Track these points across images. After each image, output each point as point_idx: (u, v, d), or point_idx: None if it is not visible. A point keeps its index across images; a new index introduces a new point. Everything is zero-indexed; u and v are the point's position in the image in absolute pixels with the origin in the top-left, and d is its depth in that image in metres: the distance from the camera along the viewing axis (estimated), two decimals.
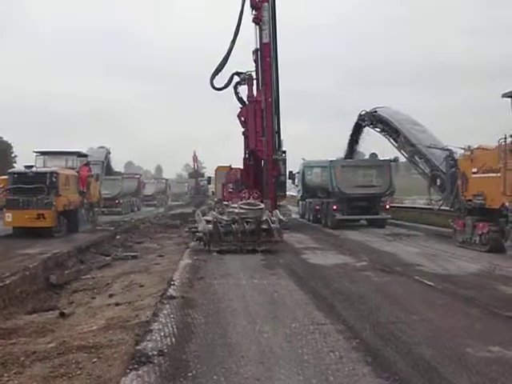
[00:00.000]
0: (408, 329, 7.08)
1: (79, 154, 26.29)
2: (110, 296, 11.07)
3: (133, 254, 17.37)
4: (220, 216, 15.66)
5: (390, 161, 24.17)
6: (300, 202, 33.16)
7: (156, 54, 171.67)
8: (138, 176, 51.89)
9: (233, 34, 23.33)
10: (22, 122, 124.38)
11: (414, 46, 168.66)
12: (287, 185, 39.63)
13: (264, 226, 15.53)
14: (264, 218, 15.63)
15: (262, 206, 16.30)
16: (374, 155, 25.95)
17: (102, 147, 37.44)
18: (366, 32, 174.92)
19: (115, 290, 11.81)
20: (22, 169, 22.55)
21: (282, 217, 16.33)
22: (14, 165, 43.56)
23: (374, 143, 25.78)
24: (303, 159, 32.18)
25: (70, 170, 24.27)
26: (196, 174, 63.24)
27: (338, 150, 28.91)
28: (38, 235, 20.06)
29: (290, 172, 25.72)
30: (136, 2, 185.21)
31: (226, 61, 23.51)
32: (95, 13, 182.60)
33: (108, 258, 17.13)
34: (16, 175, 21.70)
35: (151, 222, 31.18)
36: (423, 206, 20.58)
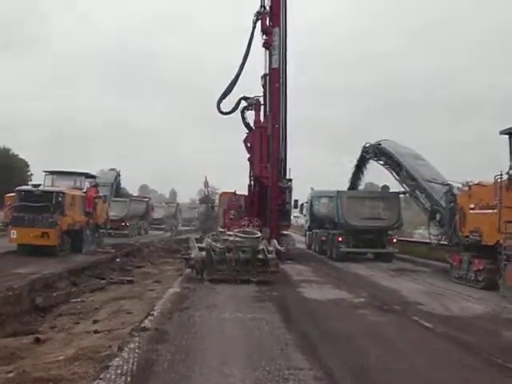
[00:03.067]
0: (394, 379, 6.31)
1: (87, 175, 26.18)
2: (94, 322, 10.54)
3: (128, 278, 16.81)
4: (214, 243, 14.98)
5: (399, 193, 23.44)
6: (307, 233, 32.38)
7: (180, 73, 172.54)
8: (146, 199, 51.39)
9: (242, 57, 22.99)
10: (40, 140, 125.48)
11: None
12: (297, 214, 39.49)
13: (260, 256, 14.82)
14: (260, 248, 14.93)
15: (259, 234, 15.62)
16: (385, 187, 25.28)
17: (113, 169, 37.63)
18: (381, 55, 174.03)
19: (101, 315, 11.27)
20: (30, 187, 22.71)
21: (279, 247, 15.60)
22: (29, 183, 43.65)
23: (387, 176, 25.12)
24: (312, 189, 31.52)
25: (77, 190, 24.24)
26: (207, 199, 62.63)
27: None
28: (42, 253, 20.00)
29: (296, 201, 25.04)
30: (153, 20, 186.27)
31: (234, 85, 23.11)
32: (111, 31, 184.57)
33: (103, 281, 16.63)
34: (23, 193, 21.78)
35: (156, 246, 30.72)
36: (442, 242, 19.84)
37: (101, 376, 6.08)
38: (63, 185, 23.81)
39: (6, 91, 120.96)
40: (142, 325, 8.84)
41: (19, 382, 6.58)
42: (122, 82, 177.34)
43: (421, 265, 22.31)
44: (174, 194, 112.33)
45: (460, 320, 10.53)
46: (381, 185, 26.65)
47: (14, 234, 20.83)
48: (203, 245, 15.14)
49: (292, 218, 54.32)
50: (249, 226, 18.38)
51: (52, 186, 23.76)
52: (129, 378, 6.02)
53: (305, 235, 33.67)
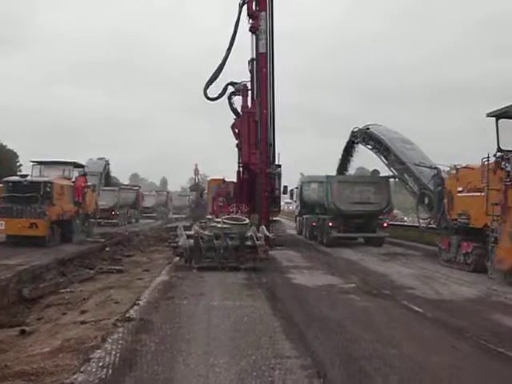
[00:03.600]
0: (383, 366, 6.14)
1: (76, 165, 25.85)
2: (82, 313, 10.35)
3: (118, 267, 16.61)
4: (202, 231, 14.76)
5: (389, 177, 23.31)
6: (297, 218, 32.32)
7: (171, 61, 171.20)
8: (136, 188, 51.16)
9: (228, 42, 22.63)
10: (29, 131, 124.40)
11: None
12: (289, 200, 39.33)
13: (248, 243, 14.62)
14: (249, 234, 14.74)
15: (247, 221, 15.42)
16: (376, 172, 25.18)
17: (101, 158, 37.19)
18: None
19: (89, 306, 11.06)
20: (17, 177, 22.59)
21: (268, 233, 15.41)
22: (18, 174, 43.21)
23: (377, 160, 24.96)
24: (301, 174, 31.44)
25: (65, 180, 23.97)
26: (197, 187, 62.36)
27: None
28: (31, 244, 19.82)
29: (285, 187, 24.83)
30: (149, 11, 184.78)
31: (221, 70, 22.76)
32: (109, 20, 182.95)
33: (92, 271, 16.44)
34: (11, 184, 21.58)
35: (146, 235, 30.49)
36: (430, 226, 19.81)
37: (81, 369, 5.89)
38: (51, 175, 23.52)
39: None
40: (127, 315, 8.65)
41: (1, 376, 6.39)
42: (110, 73, 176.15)
43: (412, 249, 22.27)
44: (164, 182, 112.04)
45: (451, 304, 10.41)
46: (371, 169, 26.53)
47: (1, 225, 20.59)
48: (191, 232, 14.91)
49: (283, 203, 54.52)
50: (237, 212, 18.18)
51: (40, 176, 23.51)
52: (110, 371, 5.83)
53: (295, 221, 33.59)
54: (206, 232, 14.74)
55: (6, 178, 22.34)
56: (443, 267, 16.20)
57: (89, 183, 27.15)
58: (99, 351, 6.59)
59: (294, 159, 75.35)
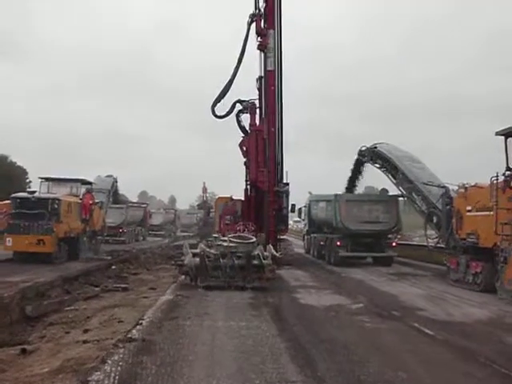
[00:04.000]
0: None
1: (83, 182, 25.91)
2: (85, 331, 10.18)
3: (123, 285, 16.45)
4: (208, 249, 14.56)
5: (398, 196, 23.05)
6: (305, 237, 32.01)
7: (180, 77, 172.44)
8: (144, 205, 51.03)
9: (236, 60, 22.61)
10: (39, 148, 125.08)
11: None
12: (297, 219, 38.99)
13: (255, 262, 14.40)
14: (255, 253, 14.52)
15: (254, 239, 15.20)
16: (384, 190, 24.93)
17: (110, 176, 37.21)
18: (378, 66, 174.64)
19: (92, 324, 10.90)
20: (25, 194, 22.55)
21: (275, 252, 15.19)
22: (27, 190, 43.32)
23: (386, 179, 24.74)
24: (310, 193, 31.15)
25: (73, 197, 24.02)
26: (205, 205, 62.31)
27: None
28: (38, 261, 19.80)
29: (293, 205, 24.59)
30: (158, 28, 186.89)
31: (229, 88, 22.67)
32: (118, 36, 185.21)
33: (97, 288, 16.26)
34: (18, 200, 21.65)
35: (153, 253, 30.32)
36: (439, 245, 19.59)
37: None
38: (59, 191, 23.66)
39: (4, 99, 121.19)
40: (129, 335, 8.46)
41: None
42: (120, 91, 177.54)
43: (421, 268, 21.91)
44: (173, 200, 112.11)
45: (462, 326, 10.12)
46: (380, 188, 26.28)
47: (9, 241, 20.73)
48: (197, 251, 14.71)
49: (292, 222, 54.17)
50: (244, 231, 17.98)
51: (48, 192, 23.54)
52: None
53: (303, 240, 33.30)
54: (212, 250, 14.54)
55: (13, 195, 22.37)
56: (453, 287, 15.88)
57: (96, 200, 27.16)
58: (98, 373, 6.40)
59: (304, 178, 74.95)
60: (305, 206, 31.47)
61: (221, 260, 14.28)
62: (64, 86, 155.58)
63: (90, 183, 27.02)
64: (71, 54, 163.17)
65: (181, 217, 68.77)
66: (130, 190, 62.78)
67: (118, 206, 38.56)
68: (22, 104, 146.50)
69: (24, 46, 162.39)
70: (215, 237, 16.05)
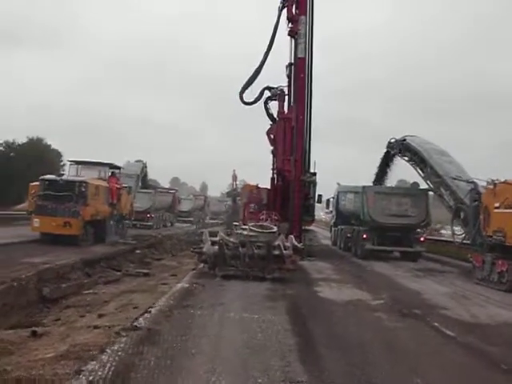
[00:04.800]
0: None
1: (111, 166, 25.87)
2: (99, 316, 10.04)
3: (144, 271, 16.36)
4: (227, 238, 14.23)
5: (428, 190, 22.32)
6: (332, 229, 31.50)
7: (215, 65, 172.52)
8: (173, 191, 51.00)
9: (266, 46, 22.15)
10: (75, 132, 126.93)
11: (465, 72, 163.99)
12: (327, 210, 38.41)
13: (275, 252, 14.01)
14: (276, 243, 14.12)
15: (275, 229, 14.80)
16: (415, 184, 24.22)
17: (139, 161, 37.34)
18: (415, 59, 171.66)
19: (108, 309, 10.77)
20: (53, 176, 22.71)
21: (296, 243, 14.76)
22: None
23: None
24: (338, 184, 30.52)
25: (101, 180, 23.99)
26: (234, 193, 62.12)
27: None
28: (64, 243, 19.83)
29: (319, 195, 23.99)
30: (190, 16, 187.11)
31: (258, 74, 22.28)
32: (149, 27, 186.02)
33: (118, 273, 16.22)
34: (47, 182, 21.67)
35: (179, 239, 30.24)
36: (465, 241, 18.96)
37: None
38: (88, 175, 23.60)
39: (44, 86, 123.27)
40: (135, 323, 8.20)
41: None
42: (154, 80, 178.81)
43: (449, 265, 21.25)
44: (205, 187, 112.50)
45: (486, 328, 9.58)
46: (412, 182, 25.57)
47: (36, 222, 20.81)
48: (216, 239, 14.40)
49: (322, 213, 53.40)
50: (267, 220, 17.60)
51: (76, 175, 23.63)
52: None
53: (330, 231, 32.81)
54: (232, 239, 14.20)
55: (42, 177, 22.45)
56: (479, 286, 15.28)
57: (124, 185, 27.21)
58: (94, 363, 6.14)
59: (334, 169, 74.35)
60: (333, 197, 30.92)
61: (240, 249, 13.93)
62: (99, 75, 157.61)
63: (118, 167, 26.99)
64: (107, 43, 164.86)
65: (210, 204, 68.77)
66: (162, 176, 63.21)
67: (146, 190, 38.54)
68: (60, 90, 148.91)
69: (63, 34, 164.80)
70: (235, 225, 15.70)
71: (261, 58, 22.22)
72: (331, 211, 32.38)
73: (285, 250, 14.06)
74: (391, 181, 27.28)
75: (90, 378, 5.63)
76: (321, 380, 5.93)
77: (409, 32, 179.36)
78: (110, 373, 5.80)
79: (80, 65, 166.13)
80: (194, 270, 15.61)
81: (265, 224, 15.68)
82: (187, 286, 12.54)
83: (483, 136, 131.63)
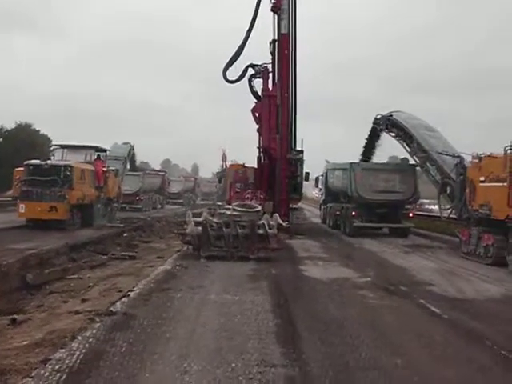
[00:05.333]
0: (383, 381, 5.26)
1: (97, 149, 25.59)
2: (83, 301, 9.75)
3: (131, 254, 16.05)
4: (211, 218, 13.96)
5: (416, 165, 22.11)
6: (322, 207, 31.33)
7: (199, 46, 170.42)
8: (162, 173, 50.63)
9: (249, 23, 21.67)
10: (63, 115, 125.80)
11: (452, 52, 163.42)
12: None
13: (260, 231, 13.77)
14: (260, 222, 13.88)
15: (259, 208, 14.56)
16: (405, 160, 24.00)
17: (126, 143, 37.10)
18: (400, 37, 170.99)
19: (91, 294, 10.50)
20: (38, 161, 22.31)
21: (281, 221, 14.52)
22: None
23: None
24: (327, 161, 30.25)
25: (86, 164, 23.75)
26: (224, 173, 61.79)
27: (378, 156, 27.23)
28: (51, 228, 19.72)
29: (307, 173, 23.71)
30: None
31: (241, 51, 21.82)
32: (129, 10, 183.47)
33: (104, 257, 15.91)
34: (31, 167, 21.58)
35: (168, 221, 29.94)
36: (452, 216, 18.88)
37: (32, 373, 5.18)
38: (74, 159, 23.47)
39: (35, 71, 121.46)
40: (111, 308, 7.95)
41: None
42: (143, 61, 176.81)
43: (438, 240, 21.10)
44: (196, 168, 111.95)
45: (472, 304, 9.40)
46: (401, 158, 25.38)
47: (22, 208, 20.68)
48: (199, 219, 14.13)
49: (315, 192, 53.16)
50: (252, 199, 17.33)
51: (62, 160, 23.42)
52: (64, 376, 5.11)
53: (320, 209, 32.65)
54: (215, 219, 13.93)
55: (26, 162, 22.16)
56: (468, 261, 15.16)
57: (112, 168, 26.91)
58: (63, 350, 5.90)
59: (324, 147, 74.04)
60: (322, 175, 30.69)
61: (224, 229, 13.67)
62: (89, 55, 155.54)
63: (104, 150, 26.69)
64: (94, 23, 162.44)
65: (201, 185, 68.51)
66: (153, 159, 62.59)
67: (134, 173, 38.29)
68: (49, 74, 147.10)
69: (50, 16, 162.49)
70: (219, 205, 15.42)
71: (244, 35, 21.78)
72: (320, 189, 32.19)
73: (269, 229, 13.82)
74: (383, 157, 27.16)
75: (57, 366, 5.38)
76: (296, 363, 5.70)
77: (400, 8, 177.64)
78: (78, 361, 5.56)
79: (64, 48, 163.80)
80: (178, 251, 15.36)
81: (248, 203, 15.42)
82: (169, 268, 12.32)
83: (472, 113, 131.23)
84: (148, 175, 43.97)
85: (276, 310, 8.31)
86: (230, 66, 21.90)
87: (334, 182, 26.89)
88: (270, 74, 21.93)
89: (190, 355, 5.83)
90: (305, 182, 24.51)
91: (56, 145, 25.66)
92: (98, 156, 25.05)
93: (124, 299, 8.69)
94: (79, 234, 19.52)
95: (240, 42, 21.76)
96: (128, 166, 36.26)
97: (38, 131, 49.23)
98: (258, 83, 22.28)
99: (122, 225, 24.60)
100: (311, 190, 55.53)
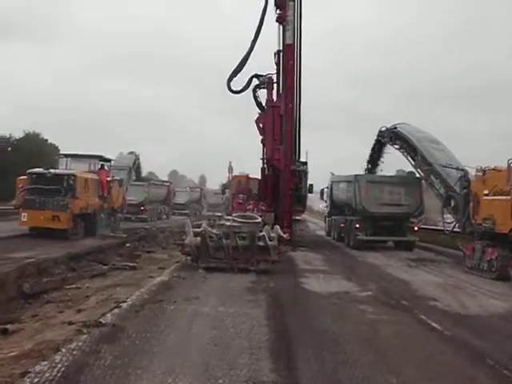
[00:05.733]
0: None
1: (102, 158, 25.41)
2: (78, 311, 9.63)
3: (131, 264, 15.85)
4: (210, 229, 13.73)
5: (421, 178, 21.85)
6: (327, 219, 31.03)
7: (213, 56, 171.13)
8: (167, 184, 50.53)
9: (254, 33, 21.60)
10: (70, 125, 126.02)
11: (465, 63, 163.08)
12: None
13: (260, 243, 13.52)
14: (261, 234, 13.64)
15: (259, 219, 14.31)
16: (411, 173, 23.76)
17: (132, 153, 36.76)
18: (413, 49, 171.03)
19: (88, 304, 10.37)
20: (41, 170, 22.13)
21: (282, 233, 14.27)
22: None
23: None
24: (332, 173, 30.00)
25: (90, 173, 23.58)
26: (228, 184, 61.52)
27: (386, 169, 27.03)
28: (54, 237, 19.48)
29: (311, 185, 23.53)
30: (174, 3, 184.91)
31: (246, 62, 21.78)
32: (134, 16, 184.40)
33: (105, 267, 15.73)
34: (34, 175, 21.33)
35: (172, 231, 29.75)
36: (456, 230, 18.67)
37: None
38: (78, 168, 23.21)
39: (34, 79, 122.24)
40: (101, 319, 7.72)
41: None
42: (147, 69, 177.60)
43: (443, 254, 20.75)
44: (203, 179, 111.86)
45: (475, 320, 9.11)
46: (408, 171, 25.10)
47: (24, 216, 20.42)
48: (199, 230, 13.91)
49: (321, 205, 52.86)
50: (253, 210, 17.10)
51: (66, 168, 23.20)
52: None
53: (325, 222, 32.38)
54: (214, 230, 13.69)
55: (29, 170, 22.03)
56: (472, 276, 14.85)
57: (116, 177, 26.81)
58: (44, 363, 5.68)
59: (330, 159, 73.82)
60: (327, 188, 30.46)
61: (223, 240, 13.43)
62: (93, 66, 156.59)
63: (108, 160, 26.51)
64: (97, 34, 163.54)
65: (207, 196, 68.21)
66: (160, 170, 62.47)
67: (139, 183, 38.01)
68: (52, 84, 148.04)
69: (53, 26, 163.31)
70: (219, 216, 15.20)
71: (248, 45, 21.71)
72: (325, 201, 31.96)
73: (270, 240, 13.58)
74: (389, 170, 26.80)
75: (35, 380, 5.15)
76: (287, 380, 5.44)
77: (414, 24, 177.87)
78: (59, 374, 5.33)
79: (70, 57, 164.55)
80: (177, 262, 15.14)
81: (249, 214, 15.18)
82: (167, 279, 12.08)
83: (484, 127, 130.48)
84: (153, 185, 43.76)
85: (271, 323, 8.05)
86: (235, 76, 21.84)
87: (339, 194, 26.64)
88: (275, 85, 21.85)
89: (176, 370, 5.59)
90: (312, 195, 24.33)
91: (60, 154, 25.53)
92: (102, 165, 24.94)
93: (115, 310, 8.44)
94: (81, 244, 19.35)
95: (244, 53, 21.70)
96: (133, 176, 36.10)
97: (46, 140, 49.41)
98: (263, 94, 22.24)
99: (125, 235, 24.39)
100: (318, 203, 55.19)
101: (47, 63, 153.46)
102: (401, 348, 7.10)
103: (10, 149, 43.98)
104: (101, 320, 7.69)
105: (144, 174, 43.02)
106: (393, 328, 8.27)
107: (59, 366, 5.59)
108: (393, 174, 27.28)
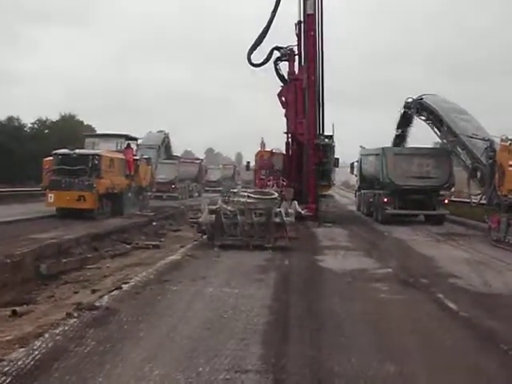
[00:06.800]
0: None
1: (128, 137, 25.27)
2: (93, 292, 9.45)
3: (154, 243, 15.72)
4: (225, 206, 13.35)
5: (450, 150, 20.98)
6: (356, 194, 30.45)
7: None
8: (198, 161, 50.32)
9: (273, 4, 20.88)
10: (109, 107, 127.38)
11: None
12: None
13: (276, 220, 13.09)
14: (277, 210, 13.19)
15: (276, 195, 13.85)
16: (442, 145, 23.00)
17: (161, 131, 36.69)
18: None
19: (104, 285, 10.26)
20: (66, 150, 22.07)
21: (300, 209, 13.79)
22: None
23: None
24: (361, 147, 29.23)
25: (116, 152, 23.44)
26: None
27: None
28: (81, 217, 19.59)
29: (336, 159, 22.91)
30: None
31: (266, 34, 21.15)
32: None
33: (128, 246, 15.63)
34: (60, 156, 21.31)
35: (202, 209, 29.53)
36: (482, 202, 18.01)
37: None
38: (105, 148, 23.14)
39: (73, 63, 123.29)
40: (95, 302, 7.47)
41: None
42: (186, 50, 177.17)
43: (474, 228, 19.92)
44: (240, 157, 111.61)
45: (496, 299, 8.51)
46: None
47: (51, 197, 20.51)
48: (213, 207, 13.57)
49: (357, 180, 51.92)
50: (273, 186, 16.65)
51: (93, 149, 23.10)
52: (7, 380, 4.62)
53: (355, 196, 31.76)
54: (229, 207, 13.31)
55: (55, 151, 22.04)
56: (502, 251, 14.11)
57: (145, 156, 26.77)
58: (22, 350, 5.43)
59: (361, 133, 72.40)
60: (357, 161, 29.78)
61: (238, 217, 13.05)
62: (130, 49, 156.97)
63: (135, 139, 26.42)
64: (139, 17, 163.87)
65: (242, 173, 67.95)
66: (197, 147, 62.19)
67: (169, 161, 37.91)
68: (93, 67, 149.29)
69: (91, 10, 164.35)
70: (233, 192, 14.79)
71: (268, 17, 21.03)
72: (355, 175, 31.31)
73: (287, 217, 13.13)
74: (426, 144, 25.97)
75: (6, 369, 4.90)
76: (272, 369, 5.04)
77: None
78: (32, 362, 5.06)
79: (108, 41, 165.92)
80: (195, 241, 14.88)
81: (265, 190, 14.73)
82: (179, 258, 11.82)
83: None
84: (183, 163, 43.63)
85: (274, 304, 7.66)
86: (255, 49, 21.28)
87: (368, 168, 26.02)
88: (296, 57, 21.17)
89: (156, 357, 5.25)
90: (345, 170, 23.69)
91: (86, 134, 25.48)
92: (128, 144, 24.81)
93: (115, 292, 8.19)
94: (107, 223, 19.29)
95: (264, 25, 21.04)
96: (163, 154, 35.97)
97: (82, 122, 49.75)
98: (284, 66, 21.60)
99: (152, 213, 24.31)
100: (354, 178, 54.44)
101: (85, 48, 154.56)
102: (408, 332, 6.57)
103: (47, 131, 44.41)
104: (95, 303, 7.43)
105: (181, 153, 42.86)
106: (405, 308, 7.79)
107: (36, 352, 5.33)
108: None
